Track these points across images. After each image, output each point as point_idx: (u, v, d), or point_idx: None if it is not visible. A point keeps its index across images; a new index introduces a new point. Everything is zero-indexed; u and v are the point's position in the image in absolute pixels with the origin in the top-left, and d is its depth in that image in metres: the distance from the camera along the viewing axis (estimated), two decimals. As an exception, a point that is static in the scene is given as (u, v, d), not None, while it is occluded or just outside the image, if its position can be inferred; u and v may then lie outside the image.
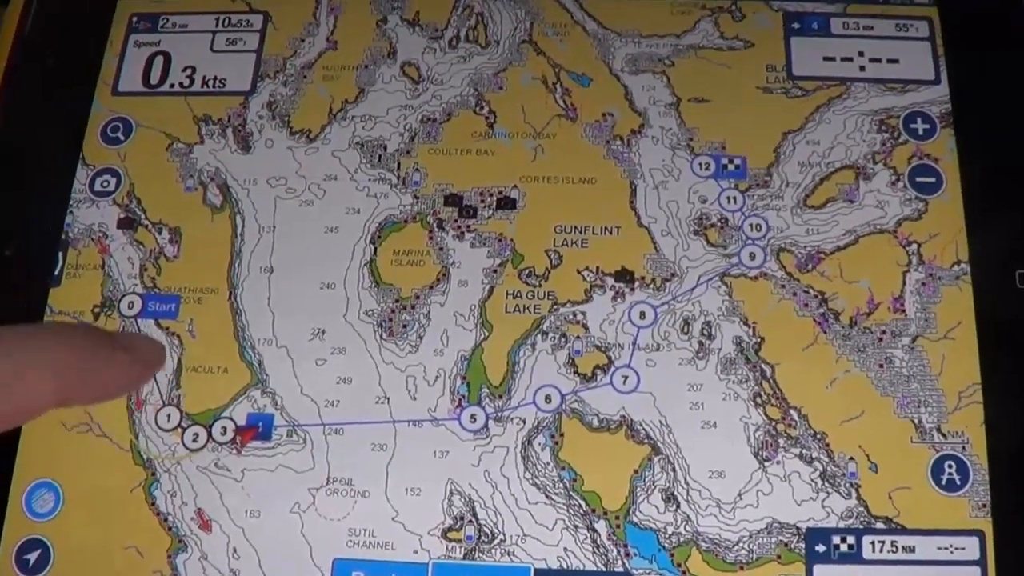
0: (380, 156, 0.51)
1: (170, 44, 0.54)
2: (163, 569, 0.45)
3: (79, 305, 0.49)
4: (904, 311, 0.47)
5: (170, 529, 0.46)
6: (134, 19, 0.54)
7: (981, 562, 0.43)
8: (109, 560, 0.46)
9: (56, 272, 0.49)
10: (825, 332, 0.47)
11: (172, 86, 0.53)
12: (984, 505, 0.44)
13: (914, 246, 0.48)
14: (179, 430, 0.47)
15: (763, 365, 0.46)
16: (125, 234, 0.50)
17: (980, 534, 0.44)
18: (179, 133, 0.52)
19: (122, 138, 0.52)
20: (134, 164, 0.51)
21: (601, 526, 0.45)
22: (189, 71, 0.53)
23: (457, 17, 0.54)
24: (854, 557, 0.44)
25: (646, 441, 0.45)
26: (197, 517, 0.46)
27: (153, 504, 0.46)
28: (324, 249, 0.49)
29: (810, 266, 0.48)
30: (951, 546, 0.44)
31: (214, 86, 0.53)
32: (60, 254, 0.49)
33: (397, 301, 0.48)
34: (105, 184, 0.51)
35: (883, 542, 0.44)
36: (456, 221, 0.49)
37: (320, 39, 0.54)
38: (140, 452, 0.46)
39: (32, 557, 0.45)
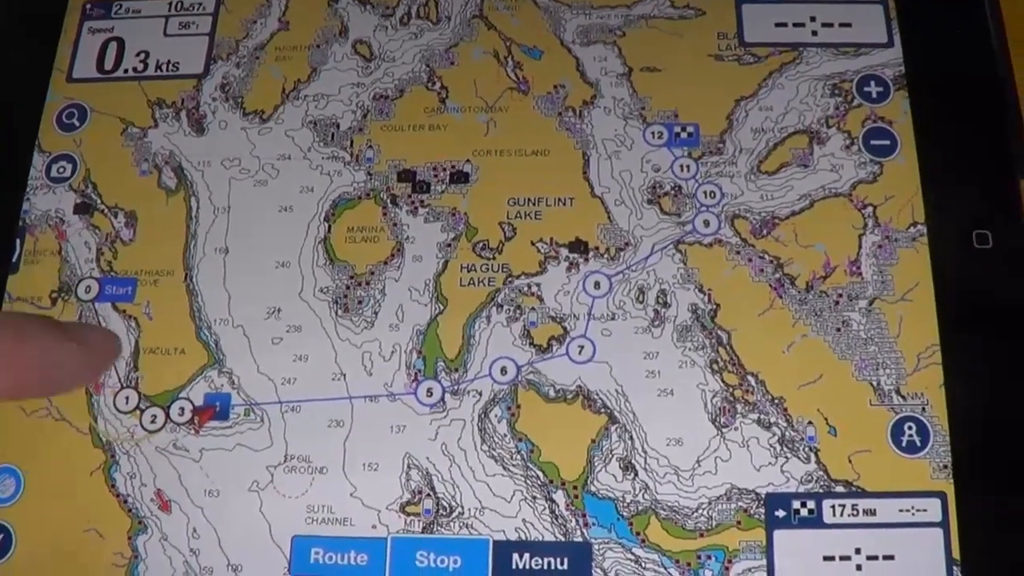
0: (333, 134, 0.51)
1: (123, 30, 0.54)
2: (123, 550, 0.45)
3: (37, 291, 0.49)
4: (860, 274, 0.47)
5: (130, 511, 0.46)
6: (87, 6, 0.54)
7: (943, 523, 0.43)
8: (70, 543, 0.46)
9: (14, 259, 0.49)
10: (781, 297, 0.47)
11: (126, 71, 0.53)
12: (945, 466, 0.44)
13: (869, 209, 0.48)
14: (137, 412, 0.47)
15: (719, 332, 0.46)
16: (81, 219, 0.50)
17: (942, 495, 0.43)
18: (133, 118, 0.52)
19: (77, 124, 0.52)
20: (89, 150, 0.51)
21: (559, 496, 0.45)
22: (143, 56, 0.53)
23: (409, -6, 0.54)
24: (815, 521, 0.44)
25: (603, 410, 0.45)
26: (156, 498, 0.46)
27: (113, 486, 0.46)
28: (278, 228, 0.49)
29: (765, 232, 0.48)
30: (912, 508, 0.43)
31: (168, 70, 0.53)
32: (18, 241, 0.49)
33: (352, 278, 0.48)
34: (61, 170, 0.51)
35: (844, 506, 0.44)
36: (409, 196, 0.49)
37: (272, 20, 0.54)
38: (99, 435, 0.46)
39: (-7, 543, 0.45)
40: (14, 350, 0.27)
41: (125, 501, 0.46)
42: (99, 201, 0.50)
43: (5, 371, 0.26)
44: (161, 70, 0.53)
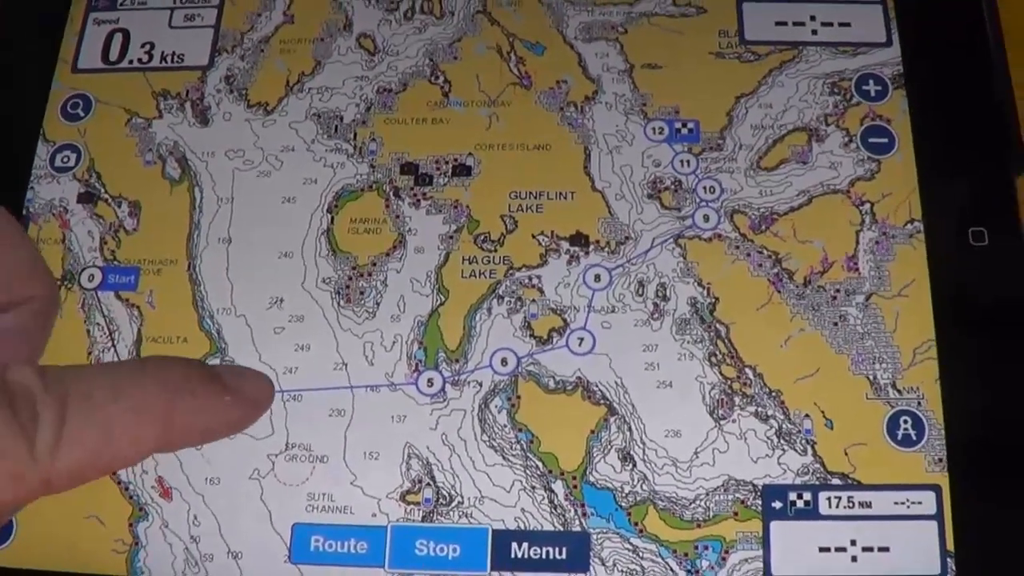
0: (336, 127, 0.51)
1: (129, 21, 0.54)
2: (124, 537, 0.46)
3: (40, 279, 0.49)
4: (858, 270, 0.47)
5: (131, 498, 0.46)
6: (93, -3, 0.55)
7: (938, 516, 0.43)
8: (71, 530, 0.46)
9: (17, 248, 0.49)
10: (779, 291, 0.47)
11: (131, 62, 0.53)
12: (940, 459, 0.44)
13: (867, 205, 0.48)
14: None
15: (718, 325, 0.47)
16: (85, 208, 0.50)
17: (937, 488, 0.44)
18: (138, 108, 0.52)
19: (82, 114, 0.52)
20: (94, 140, 0.52)
21: (558, 486, 0.45)
22: (148, 47, 0.54)
23: (413, -12, 0.54)
24: (810, 513, 0.44)
25: (602, 402, 0.46)
26: (158, 485, 0.46)
27: (114, 473, 0.46)
28: (282, 219, 0.50)
29: (764, 227, 0.48)
30: (908, 501, 0.44)
31: (172, 61, 0.53)
32: (21, 229, 0.49)
33: (354, 268, 0.48)
34: (65, 160, 0.51)
35: (839, 498, 0.44)
36: (412, 189, 0.50)
37: (277, 13, 0.54)
38: (101, 422, 0.46)
39: (-6, 529, 0.45)
40: (163, 404, 0.25)
41: (126, 488, 0.46)
42: (103, 191, 0.51)
43: (153, 426, 0.25)
44: (166, 61, 0.53)
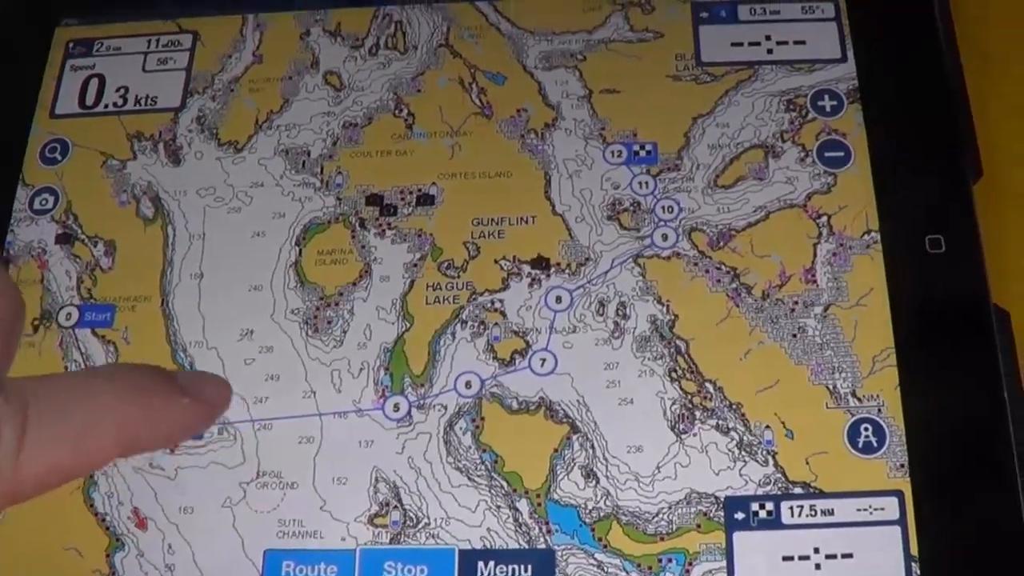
0: (304, 162, 0.52)
1: (104, 67, 0.56)
2: (101, 568, 0.46)
3: (19, 320, 0.50)
4: (816, 281, 0.48)
5: (108, 529, 0.47)
6: (71, 45, 0.56)
7: (901, 521, 0.44)
8: (50, 562, 0.47)
9: (-3, 290, 0.50)
10: (738, 306, 0.48)
11: (107, 106, 0.55)
12: (902, 465, 0.44)
13: (824, 218, 0.49)
14: (115, 433, 0.48)
15: (678, 341, 0.47)
16: (63, 249, 0.52)
17: (899, 494, 0.44)
18: (113, 150, 0.54)
19: (59, 158, 0.54)
20: (71, 182, 0.53)
21: (523, 505, 0.45)
22: (122, 91, 0.55)
23: (377, 26, 0.55)
24: (773, 523, 0.44)
25: (564, 420, 0.46)
26: (133, 516, 0.47)
27: (91, 505, 0.47)
28: (251, 253, 0.51)
29: (722, 243, 0.49)
30: (870, 507, 0.44)
31: (146, 104, 0.55)
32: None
33: (322, 299, 0.49)
34: (43, 202, 0.53)
35: (802, 507, 0.44)
36: (377, 219, 0.51)
37: (247, 54, 0.55)
38: (78, 456, 0.47)
39: (-26, 563, 0.46)
40: (124, 408, 0.26)
41: (103, 520, 0.47)
42: (80, 231, 0.52)
43: (116, 430, 0.26)
44: (140, 104, 0.55)
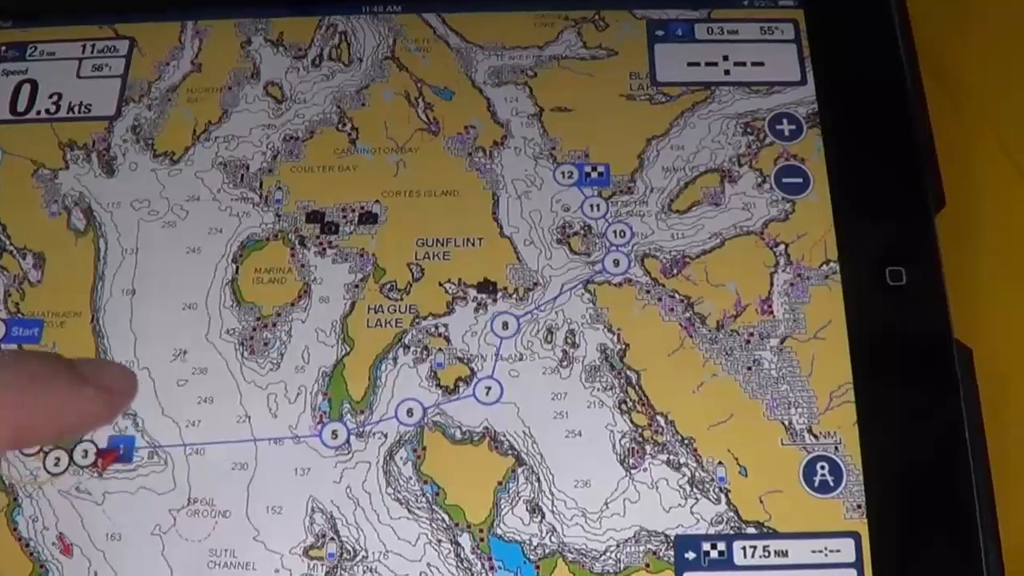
0: (243, 176, 0.50)
1: (37, 72, 0.54)
2: (23, 597, 0.44)
3: (-58, 334, 0.48)
4: (772, 312, 0.46)
5: (32, 555, 0.45)
6: (2, 48, 0.54)
7: (857, 564, 0.43)
8: (-31, 590, 0.45)
9: (-80, 303, 0.48)
10: (691, 336, 0.46)
11: (39, 113, 0.53)
12: (859, 506, 0.43)
13: (782, 247, 0.47)
14: (41, 454, 0.46)
15: (628, 372, 0.46)
16: (-11, 261, 0.49)
17: (856, 535, 0.43)
18: (45, 159, 0.52)
19: (-12, 166, 0.52)
20: (0, 191, 0.51)
21: (465, 540, 0.44)
22: (55, 98, 0.53)
23: (321, 36, 0.54)
24: (725, 564, 0.43)
25: (510, 452, 0.45)
26: (59, 542, 0.45)
27: (15, 530, 0.45)
28: (186, 270, 0.49)
29: (675, 271, 0.47)
30: (826, 549, 0.43)
31: (80, 112, 0.53)
32: (-77, 284, 0.49)
33: (259, 319, 0.48)
34: (-30, 213, 0.51)
35: (755, 547, 0.43)
36: (318, 237, 0.49)
37: (185, 62, 0.53)
38: (2, 477, 0.46)
39: None
40: (16, 397, 0.25)
41: (27, 545, 0.45)
42: (8, 242, 0.50)
43: (7, 420, 0.24)
44: (73, 112, 0.53)
